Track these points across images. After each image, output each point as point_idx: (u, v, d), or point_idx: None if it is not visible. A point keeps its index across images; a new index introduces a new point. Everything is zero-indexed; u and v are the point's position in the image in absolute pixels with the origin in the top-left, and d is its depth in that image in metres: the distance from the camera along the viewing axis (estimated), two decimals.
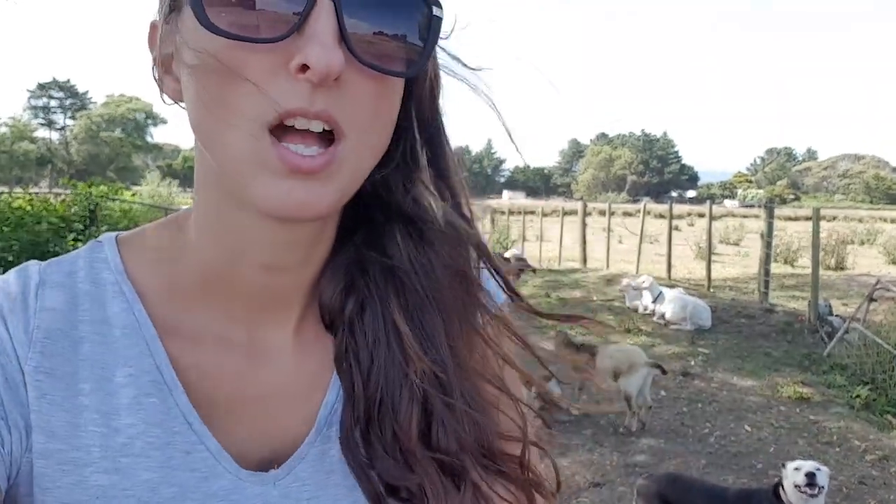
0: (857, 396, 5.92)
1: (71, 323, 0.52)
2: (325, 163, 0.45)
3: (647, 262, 14.32)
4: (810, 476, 3.14)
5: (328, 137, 0.46)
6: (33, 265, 0.55)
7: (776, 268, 12.42)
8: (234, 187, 0.47)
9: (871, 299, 7.34)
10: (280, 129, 0.44)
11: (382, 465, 0.56)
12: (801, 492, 3.16)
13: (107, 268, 0.55)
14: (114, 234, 0.59)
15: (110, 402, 0.51)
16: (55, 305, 0.52)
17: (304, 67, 0.43)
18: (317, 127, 0.45)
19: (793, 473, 3.21)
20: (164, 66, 0.52)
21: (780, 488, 3.26)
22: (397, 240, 0.58)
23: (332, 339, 0.60)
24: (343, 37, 0.44)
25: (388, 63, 0.47)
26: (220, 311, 0.56)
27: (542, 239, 20.74)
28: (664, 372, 5.29)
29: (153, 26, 0.53)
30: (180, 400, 0.53)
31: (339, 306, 0.58)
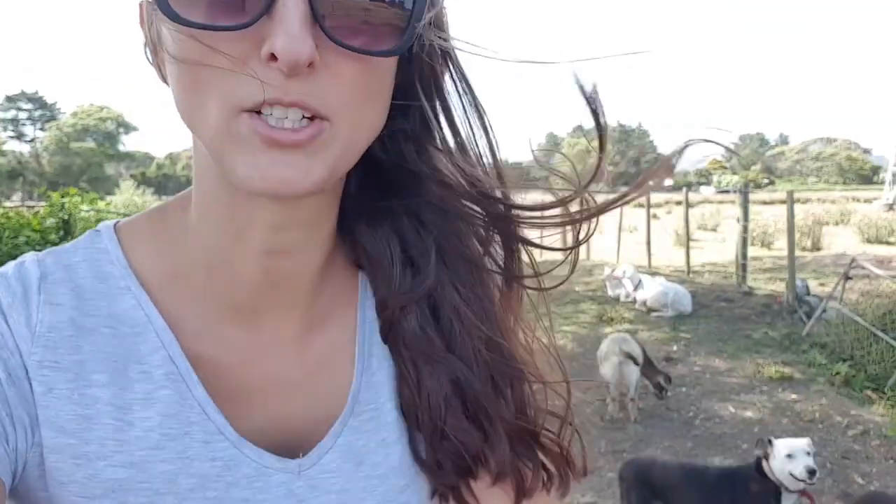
0: (838, 374, 6.02)
1: (77, 315, 0.51)
2: (308, 137, 0.43)
3: (627, 250, 14.42)
4: (812, 473, 3.13)
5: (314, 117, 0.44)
6: (30, 258, 0.53)
7: (753, 251, 12.56)
8: (219, 167, 0.46)
9: (847, 277, 7.46)
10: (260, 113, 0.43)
11: (466, 437, 0.56)
12: (800, 480, 3.14)
13: (108, 260, 0.54)
14: (111, 222, 0.57)
15: (124, 396, 0.50)
16: (59, 300, 0.51)
17: (275, 55, 0.40)
18: (294, 115, 0.42)
19: (786, 461, 3.16)
20: (154, 49, 0.50)
21: (764, 464, 3.25)
22: (426, 205, 0.57)
23: (350, 322, 0.60)
24: (315, 19, 0.41)
25: (372, 40, 0.44)
26: (225, 297, 0.54)
27: None
28: (636, 363, 5.21)
29: (140, 6, 0.51)
30: (196, 390, 0.52)
31: (405, 284, 0.58)
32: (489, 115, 0.55)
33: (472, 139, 0.55)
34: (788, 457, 3.17)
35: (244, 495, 0.52)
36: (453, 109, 0.55)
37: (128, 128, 72.22)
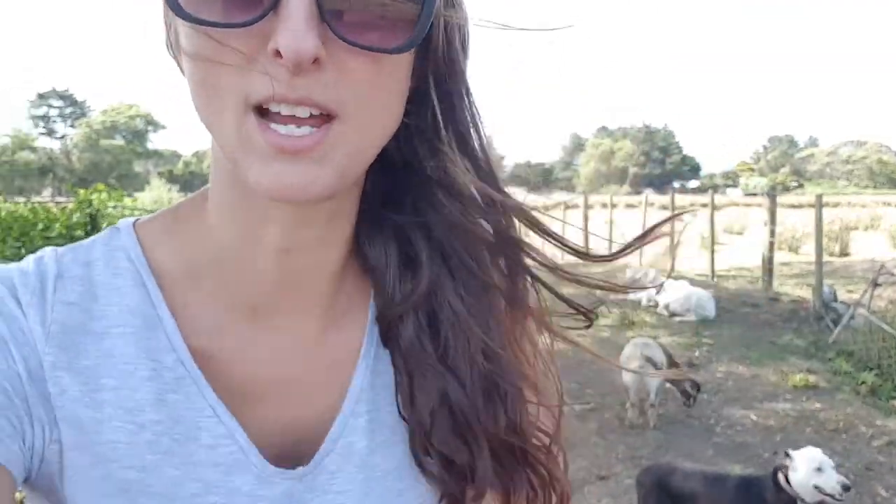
0: (864, 382, 5.89)
1: (90, 317, 0.51)
2: (314, 143, 0.43)
3: (650, 253, 14.26)
4: (847, 489, 3.08)
5: (323, 117, 0.44)
6: (49, 253, 0.53)
7: (780, 256, 12.36)
8: (233, 168, 0.46)
9: (876, 284, 7.30)
10: (269, 111, 0.43)
11: (450, 452, 0.56)
12: (828, 495, 3.07)
13: (126, 257, 0.54)
14: (131, 219, 0.57)
15: (134, 398, 0.50)
16: (73, 299, 0.51)
17: (280, 52, 0.40)
18: (302, 112, 0.43)
19: (814, 474, 3.08)
20: (174, 43, 0.50)
21: (782, 476, 3.18)
22: (435, 212, 0.56)
23: (362, 323, 0.59)
24: (322, 15, 0.41)
25: (381, 36, 0.43)
26: (242, 296, 0.54)
27: None
28: (656, 367, 5.14)
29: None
30: (206, 393, 0.52)
31: (402, 290, 0.58)
32: (483, 123, 0.55)
33: (484, 146, 0.55)
34: (818, 470, 3.09)
35: (246, 500, 0.52)
36: (467, 112, 0.54)
37: (156, 126, 73.37)
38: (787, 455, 3.21)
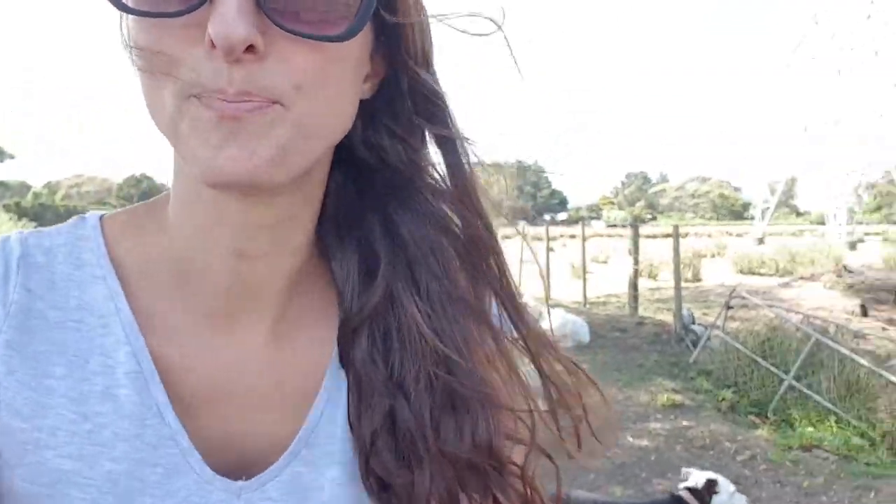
0: (723, 399, 6.34)
1: (46, 305, 0.50)
2: (254, 108, 0.41)
3: (527, 283, 14.74)
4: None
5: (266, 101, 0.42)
6: (15, 235, 0.52)
7: (641, 282, 13.20)
8: (178, 153, 0.45)
9: (728, 307, 7.94)
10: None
11: (388, 475, 0.53)
12: None
13: (88, 248, 0.53)
14: (98, 213, 0.56)
15: (81, 389, 0.49)
16: (32, 285, 0.50)
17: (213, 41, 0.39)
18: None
19: (735, 496, 3.38)
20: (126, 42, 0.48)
21: (687, 495, 3.34)
22: (406, 210, 0.55)
23: (327, 345, 0.57)
24: (258, 2, 0.40)
25: (322, 24, 0.42)
26: (198, 299, 0.53)
27: None
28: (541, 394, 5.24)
29: None
30: (157, 392, 0.50)
31: (359, 303, 0.56)
32: (451, 111, 0.54)
33: (456, 132, 0.54)
34: (732, 493, 3.40)
35: None
36: (437, 100, 0.53)
37: (2, 155, 66.96)
38: (715, 482, 3.42)
